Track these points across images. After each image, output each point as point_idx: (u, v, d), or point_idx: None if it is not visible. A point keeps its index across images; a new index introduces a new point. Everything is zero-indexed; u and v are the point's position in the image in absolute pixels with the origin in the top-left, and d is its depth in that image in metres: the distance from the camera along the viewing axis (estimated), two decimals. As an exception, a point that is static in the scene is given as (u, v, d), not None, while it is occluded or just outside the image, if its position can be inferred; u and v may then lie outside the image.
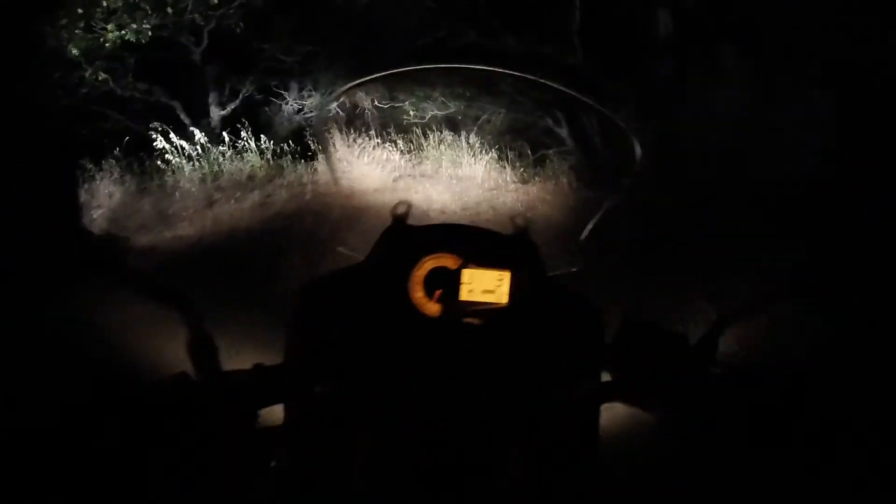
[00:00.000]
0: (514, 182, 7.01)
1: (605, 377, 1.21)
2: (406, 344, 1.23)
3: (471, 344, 1.23)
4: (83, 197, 6.71)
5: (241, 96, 8.02)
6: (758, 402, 1.06)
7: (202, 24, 7.05)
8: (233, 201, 6.37)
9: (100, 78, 6.83)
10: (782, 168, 5.09)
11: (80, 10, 6.18)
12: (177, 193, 6.60)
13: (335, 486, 1.16)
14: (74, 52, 6.31)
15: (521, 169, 7.29)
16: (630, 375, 1.17)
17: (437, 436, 1.16)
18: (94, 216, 6.51)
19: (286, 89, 8.25)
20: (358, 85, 1.44)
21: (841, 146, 4.82)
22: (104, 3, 6.18)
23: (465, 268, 1.25)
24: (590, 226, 1.61)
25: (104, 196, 6.76)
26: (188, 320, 1.07)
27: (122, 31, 6.38)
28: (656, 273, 4.72)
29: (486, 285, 1.25)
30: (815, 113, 5.19)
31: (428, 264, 1.25)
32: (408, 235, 1.31)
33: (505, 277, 1.25)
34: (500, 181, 6.97)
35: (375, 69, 1.40)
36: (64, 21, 6.20)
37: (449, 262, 1.25)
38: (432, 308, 1.24)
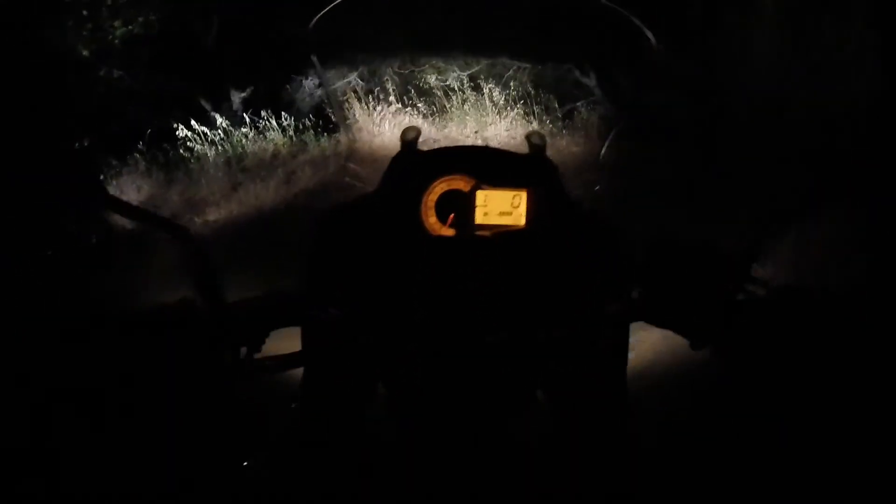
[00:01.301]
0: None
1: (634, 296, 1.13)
2: (421, 271, 1.15)
3: (489, 269, 1.15)
4: (113, 193, 6.77)
5: (259, 76, 7.92)
6: (808, 328, 0.96)
7: (210, 8, 6.98)
8: (258, 181, 6.34)
9: (115, 75, 6.84)
10: (825, 113, 4.81)
11: (84, 12, 6.19)
12: (203, 180, 6.61)
13: (353, 420, 1.16)
14: (85, 53, 6.32)
15: (549, 123, 7.06)
16: (658, 290, 1.08)
17: (456, 369, 1.10)
18: (125, 210, 6.56)
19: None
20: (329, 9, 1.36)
21: (887, 90, 4.51)
22: (108, 2, 6.17)
23: (478, 189, 1.16)
24: (607, 142, 1.47)
25: (133, 190, 6.81)
26: (189, 249, 1.04)
27: (130, 27, 6.37)
28: (692, 218, 4.55)
29: (501, 207, 1.16)
30: (859, 55, 4.89)
31: (439, 188, 1.17)
32: (417, 160, 1.23)
33: (522, 197, 1.16)
34: (527, 137, 6.77)
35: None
36: (70, 23, 6.22)
37: (461, 184, 1.17)
38: (446, 233, 1.16)
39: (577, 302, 1.14)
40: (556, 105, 7.37)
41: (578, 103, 7.44)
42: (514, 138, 6.86)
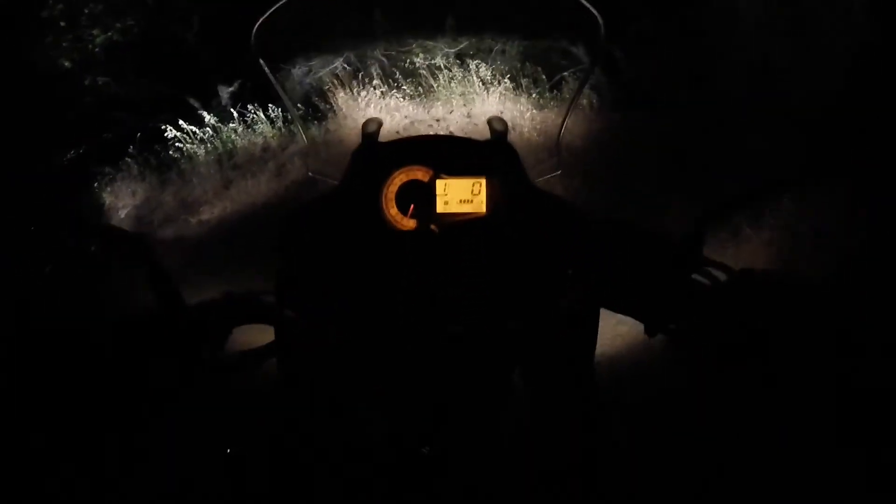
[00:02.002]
0: (530, 109, 6.74)
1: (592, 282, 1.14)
2: (385, 262, 1.16)
3: (452, 258, 1.16)
4: (108, 200, 6.83)
5: (246, 68, 7.89)
6: (763, 313, 0.97)
7: (190, 6, 6.96)
8: (249, 177, 6.35)
9: (100, 83, 6.86)
10: (812, 75, 4.73)
11: (62, 24, 6.22)
12: (195, 180, 6.63)
13: (329, 411, 1.17)
14: (67, 64, 6.36)
15: (536, 95, 6.99)
16: (613, 277, 1.10)
17: (425, 360, 1.12)
18: (122, 216, 6.62)
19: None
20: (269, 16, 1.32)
21: (874, 51, 4.42)
22: (85, 11, 6.19)
23: (437, 179, 1.17)
24: (563, 125, 1.47)
25: (128, 195, 6.85)
26: (149, 261, 1.06)
27: (109, 33, 6.38)
28: (680, 191, 4.51)
29: (462, 195, 1.17)
30: (846, 15, 4.79)
31: (398, 179, 1.18)
32: (377, 152, 1.23)
33: (481, 184, 1.16)
34: (514, 111, 6.71)
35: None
36: (50, 38, 6.26)
37: (420, 174, 1.18)
38: (408, 223, 1.16)
39: (538, 289, 1.15)
40: (544, 77, 7.29)
41: (566, 73, 7.35)
42: (506, 111, 6.79)
